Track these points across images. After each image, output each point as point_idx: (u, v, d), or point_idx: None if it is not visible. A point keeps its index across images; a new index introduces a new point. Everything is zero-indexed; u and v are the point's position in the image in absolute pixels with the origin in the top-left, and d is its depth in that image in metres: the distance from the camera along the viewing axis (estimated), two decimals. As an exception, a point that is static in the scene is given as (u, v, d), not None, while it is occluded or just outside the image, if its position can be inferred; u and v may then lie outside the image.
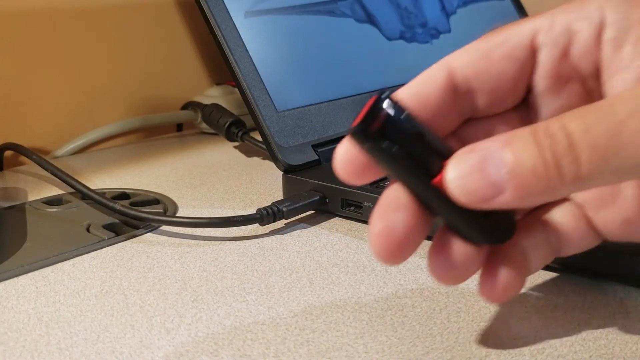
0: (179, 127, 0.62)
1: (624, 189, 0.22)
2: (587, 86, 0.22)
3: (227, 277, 0.29)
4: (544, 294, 0.27)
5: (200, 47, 0.63)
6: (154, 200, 0.40)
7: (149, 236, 0.34)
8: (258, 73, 0.40)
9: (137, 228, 0.35)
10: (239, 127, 0.50)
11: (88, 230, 0.35)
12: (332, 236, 0.34)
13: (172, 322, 0.25)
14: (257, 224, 0.34)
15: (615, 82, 0.21)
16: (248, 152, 0.51)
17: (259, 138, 0.42)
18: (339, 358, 0.23)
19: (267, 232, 0.34)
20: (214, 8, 0.40)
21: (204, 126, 0.56)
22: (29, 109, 0.51)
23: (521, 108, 0.23)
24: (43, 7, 0.51)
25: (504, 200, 0.18)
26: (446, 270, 0.21)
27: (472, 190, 0.18)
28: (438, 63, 0.22)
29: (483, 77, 0.22)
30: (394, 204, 0.20)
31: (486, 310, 0.26)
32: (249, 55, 0.40)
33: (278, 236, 0.34)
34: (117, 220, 0.36)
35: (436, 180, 0.19)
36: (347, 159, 0.21)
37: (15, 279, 0.29)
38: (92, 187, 0.39)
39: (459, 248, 0.21)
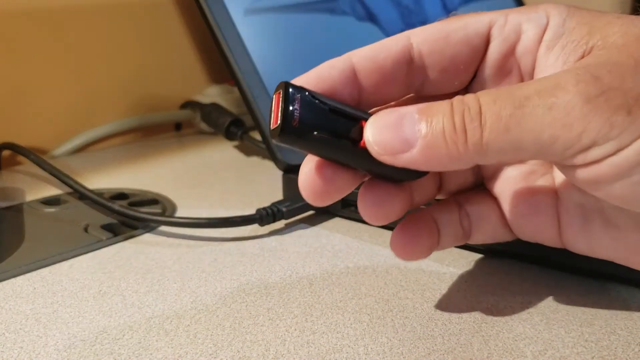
0: (178, 126, 0.61)
1: (541, 198, 0.24)
2: (524, 81, 0.23)
3: (226, 278, 0.29)
4: (546, 294, 0.27)
5: (199, 46, 0.63)
6: (153, 200, 0.39)
7: (148, 237, 0.34)
8: (257, 72, 0.39)
9: (136, 228, 0.35)
10: (238, 127, 0.50)
11: (86, 230, 0.34)
12: (333, 237, 0.33)
13: (170, 323, 0.25)
14: (256, 225, 0.34)
15: (540, 69, 0.22)
16: (247, 152, 0.51)
17: (259, 137, 0.42)
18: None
19: (267, 232, 0.34)
20: (212, 6, 0.39)
21: (203, 125, 0.56)
22: (27, 108, 0.51)
23: (461, 93, 0.24)
24: (41, 6, 0.51)
25: (412, 157, 0.19)
26: (373, 207, 0.23)
27: (385, 143, 0.20)
28: (400, 34, 0.23)
29: (438, 56, 0.23)
30: None
31: (488, 312, 0.26)
32: (248, 53, 0.40)
33: (278, 237, 0.34)
34: (115, 221, 0.36)
35: (362, 143, 0.21)
36: (311, 183, 0.22)
37: (13, 280, 0.29)
38: (90, 187, 0.39)
39: (382, 188, 0.23)
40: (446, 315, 0.26)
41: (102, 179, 0.44)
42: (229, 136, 0.50)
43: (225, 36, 0.39)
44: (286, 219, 0.35)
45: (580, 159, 0.19)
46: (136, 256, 0.31)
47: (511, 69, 0.23)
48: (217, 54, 0.40)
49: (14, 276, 0.29)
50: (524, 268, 0.30)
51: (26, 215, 0.37)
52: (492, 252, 0.31)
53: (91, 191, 0.37)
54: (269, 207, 0.34)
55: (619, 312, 0.26)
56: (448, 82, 0.24)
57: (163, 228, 0.35)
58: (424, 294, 0.27)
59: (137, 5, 0.57)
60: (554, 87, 0.18)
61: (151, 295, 0.27)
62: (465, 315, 0.25)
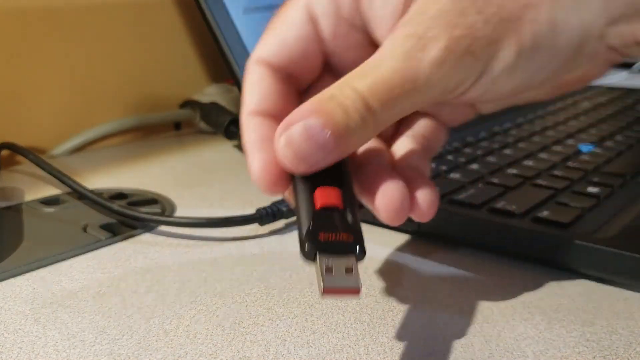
0: (177, 126, 0.61)
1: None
2: (369, 37, 0.24)
3: (226, 278, 0.29)
4: (547, 294, 0.27)
5: (198, 45, 0.63)
6: (152, 200, 0.39)
7: (147, 236, 0.34)
8: (257, 71, 0.39)
9: (135, 228, 0.35)
10: (238, 126, 0.50)
11: (85, 230, 0.34)
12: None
13: (170, 323, 0.25)
14: (256, 224, 0.34)
15: (380, 32, 0.23)
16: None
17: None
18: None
19: (267, 232, 0.34)
20: (212, 5, 0.39)
21: (203, 125, 0.56)
22: (26, 108, 0.51)
23: None
24: (40, 6, 0.51)
25: (334, 156, 0.21)
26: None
27: (307, 157, 0.21)
28: (256, 55, 0.24)
29: (293, 62, 0.24)
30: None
31: (489, 312, 0.26)
32: (248, 52, 0.40)
33: (278, 236, 0.33)
34: (114, 221, 0.35)
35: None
36: (266, 171, 0.22)
37: (12, 280, 0.29)
38: (90, 186, 0.38)
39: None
40: (447, 315, 0.25)
41: (101, 179, 0.44)
42: (229, 135, 0.50)
43: (225, 35, 0.39)
44: (286, 218, 0.34)
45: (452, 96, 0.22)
46: (135, 256, 0.31)
47: (350, 33, 0.24)
48: (216, 53, 0.40)
49: (13, 276, 0.29)
50: (525, 268, 0.29)
51: (25, 215, 0.37)
52: (493, 252, 0.31)
53: (90, 191, 0.37)
54: (269, 206, 0.34)
55: (620, 312, 0.26)
56: (314, 68, 0.25)
57: (162, 228, 0.35)
58: (424, 293, 0.27)
59: (136, 4, 0.57)
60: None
61: (150, 296, 0.27)
62: (466, 315, 0.25)
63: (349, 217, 0.21)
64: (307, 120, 0.20)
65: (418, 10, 0.21)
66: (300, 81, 0.25)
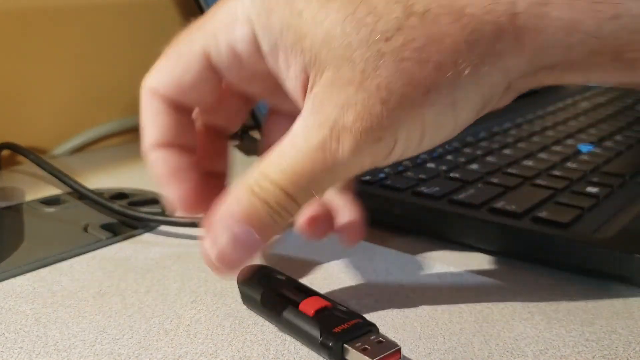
0: (178, 126, 0.61)
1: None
2: (274, 79, 0.23)
3: (226, 277, 0.29)
4: (547, 294, 0.27)
5: (198, 46, 0.63)
6: (153, 199, 0.39)
7: (147, 236, 0.34)
8: (257, 71, 0.39)
9: (135, 228, 0.35)
10: (238, 126, 0.50)
11: (86, 230, 0.34)
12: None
13: (170, 323, 0.25)
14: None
15: (287, 85, 0.23)
16: (247, 151, 0.51)
17: (259, 137, 0.41)
18: None
19: (267, 231, 0.34)
20: (212, 5, 0.39)
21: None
22: (27, 108, 0.51)
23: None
24: (40, 6, 0.51)
25: (260, 246, 0.22)
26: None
27: (238, 260, 0.22)
28: (150, 84, 0.25)
29: (189, 99, 0.25)
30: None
31: (489, 311, 0.26)
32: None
33: (277, 236, 0.33)
34: (115, 220, 0.35)
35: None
36: (187, 201, 0.25)
37: (12, 280, 0.29)
38: (90, 186, 0.39)
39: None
40: (447, 314, 0.25)
41: (101, 179, 0.44)
42: (229, 135, 0.50)
43: (225, 35, 0.39)
44: (286, 218, 0.34)
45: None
46: (136, 256, 0.31)
47: (257, 81, 0.25)
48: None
49: (14, 276, 0.29)
50: (525, 267, 0.30)
51: (26, 215, 0.37)
52: (492, 252, 0.31)
53: (91, 191, 0.37)
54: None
55: (619, 311, 0.26)
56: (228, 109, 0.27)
57: (163, 228, 0.35)
58: (424, 293, 0.27)
59: (136, 4, 0.57)
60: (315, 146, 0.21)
61: (151, 295, 0.27)
62: (466, 315, 0.25)
63: (342, 307, 0.23)
64: (233, 229, 0.22)
65: (326, 95, 0.20)
66: (199, 106, 0.26)
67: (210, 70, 0.24)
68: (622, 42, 0.18)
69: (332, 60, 0.20)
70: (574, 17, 0.18)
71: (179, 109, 0.25)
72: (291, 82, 0.22)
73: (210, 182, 0.26)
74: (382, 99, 0.20)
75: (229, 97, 0.26)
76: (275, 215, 0.22)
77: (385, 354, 0.21)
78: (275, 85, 0.23)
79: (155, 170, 0.25)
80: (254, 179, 0.22)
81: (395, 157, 0.21)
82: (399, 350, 0.22)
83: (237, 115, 0.28)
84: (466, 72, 0.19)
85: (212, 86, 0.24)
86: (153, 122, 0.25)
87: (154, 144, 0.25)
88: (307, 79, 0.21)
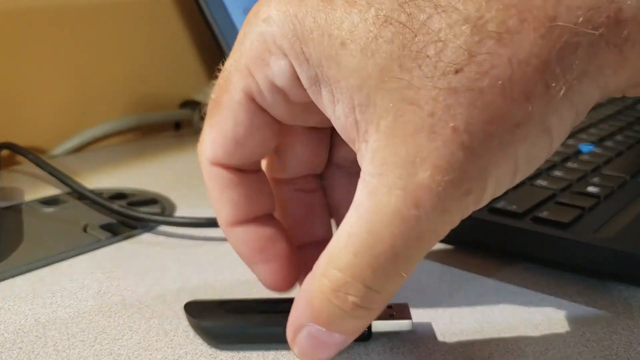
0: (177, 125, 0.61)
1: None
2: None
3: (226, 277, 0.29)
4: (548, 293, 0.27)
5: (198, 45, 0.63)
6: (152, 199, 0.39)
7: (147, 236, 0.34)
8: (257, 71, 0.39)
9: (135, 228, 0.34)
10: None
11: (85, 230, 0.34)
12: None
13: (170, 323, 0.25)
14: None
15: (340, 132, 0.19)
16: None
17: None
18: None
19: (267, 231, 0.34)
20: (211, 5, 0.39)
21: (202, 125, 0.56)
22: (26, 108, 0.51)
23: None
24: (39, 5, 0.51)
25: (348, 343, 0.20)
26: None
27: (323, 354, 0.20)
28: (209, 157, 0.22)
29: (251, 155, 0.22)
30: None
31: (489, 312, 0.26)
32: (248, 53, 0.40)
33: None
34: (114, 220, 0.35)
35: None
36: (276, 280, 0.22)
37: (11, 280, 0.29)
38: (90, 186, 0.38)
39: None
40: (447, 315, 0.25)
41: (101, 179, 0.44)
42: (229, 135, 0.50)
43: (224, 35, 0.39)
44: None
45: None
46: (135, 256, 0.31)
47: (308, 115, 0.21)
48: (216, 53, 0.40)
49: (13, 276, 0.29)
50: (526, 268, 0.30)
51: (25, 215, 0.37)
52: (492, 252, 0.31)
53: (90, 191, 0.37)
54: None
55: (620, 312, 0.26)
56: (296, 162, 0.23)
57: (162, 228, 0.35)
58: (424, 293, 0.27)
59: (136, 4, 0.57)
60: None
61: (151, 295, 0.27)
62: (466, 315, 0.25)
63: None
64: (309, 328, 0.19)
65: (389, 150, 0.17)
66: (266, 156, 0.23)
67: (261, 113, 0.20)
68: None
69: (391, 105, 0.17)
70: None
71: (247, 173, 0.22)
72: (339, 121, 0.18)
73: (308, 251, 0.23)
74: (463, 144, 0.16)
75: (296, 138, 0.23)
76: (357, 312, 0.18)
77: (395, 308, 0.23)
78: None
79: (238, 252, 0.23)
80: (322, 271, 0.18)
81: (484, 203, 0.18)
82: (407, 305, 0.22)
83: (316, 155, 0.24)
84: (560, 94, 0.16)
85: (272, 131, 0.21)
86: (223, 199, 0.22)
87: (231, 223, 0.22)
88: (357, 121, 0.18)
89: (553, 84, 0.16)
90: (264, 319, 0.23)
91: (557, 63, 0.16)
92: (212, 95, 0.21)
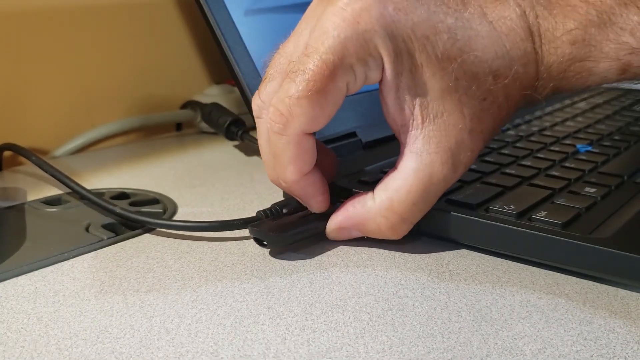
0: (179, 126, 0.62)
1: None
2: None
3: (226, 277, 0.29)
4: (545, 293, 0.27)
5: (199, 46, 0.63)
6: (154, 200, 0.39)
7: (149, 236, 0.34)
8: (258, 72, 0.40)
9: (137, 228, 0.35)
10: (239, 126, 0.50)
11: (87, 230, 0.35)
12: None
13: (171, 322, 0.25)
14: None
15: (389, 114, 0.29)
16: (248, 152, 0.51)
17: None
18: (340, 358, 0.23)
19: (267, 231, 0.34)
20: (213, 6, 0.39)
21: (204, 125, 0.56)
22: (28, 108, 0.51)
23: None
24: (40, 6, 0.51)
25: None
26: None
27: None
28: (297, 132, 0.28)
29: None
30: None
31: (487, 310, 0.26)
32: (249, 54, 0.40)
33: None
34: (116, 220, 0.36)
35: None
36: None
37: (14, 279, 0.29)
38: (91, 187, 0.39)
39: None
40: (445, 313, 0.26)
41: (103, 179, 0.44)
42: (229, 136, 0.50)
43: (226, 36, 0.39)
44: (286, 218, 0.35)
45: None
46: (137, 255, 0.31)
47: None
48: (217, 54, 0.40)
49: (16, 276, 0.29)
50: (523, 267, 0.30)
51: (28, 215, 0.37)
52: (490, 252, 0.31)
53: (92, 192, 0.37)
54: (269, 208, 0.34)
55: (617, 311, 0.26)
56: None
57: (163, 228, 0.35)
58: (423, 292, 0.27)
59: (137, 5, 0.58)
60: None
61: (152, 295, 0.27)
62: (464, 314, 0.26)
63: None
64: (350, 232, 0.31)
65: (443, 137, 0.28)
66: None
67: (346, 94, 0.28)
68: None
69: (447, 108, 0.27)
70: None
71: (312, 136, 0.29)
72: (393, 108, 0.28)
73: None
74: (485, 141, 0.29)
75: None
76: (392, 235, 0.30)
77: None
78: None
79: (304, 193, 0.31)
80: (384, 212, 0.29)
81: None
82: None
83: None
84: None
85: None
86: (302, 158, 0.29)
87: (304, 173, 0.30)
88: (413, 113, 0.28)
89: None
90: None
91: None
92: (307, 78, 0.27)
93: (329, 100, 0.27)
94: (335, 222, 0.31)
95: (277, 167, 0.30)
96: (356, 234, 0.31)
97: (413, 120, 0.28)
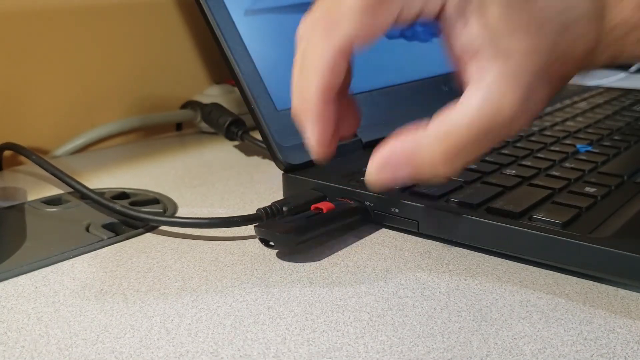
0: (179, 126, 0.62)
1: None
2: None
3: (227, 276, 0.29)
4: (545, 293, 0.27)
5: (199, 46, 0.63)
6: (154, 199, 0.39)
7: (149, 236, 0.34)
8: (258, 72, 0.40)
9: (137, 228, 0.35)
10: (239, 126, 0.50)
11: (87, 230, 0.35)
12: (332, 235, 0.33)
13: (171, 322, 0.25)
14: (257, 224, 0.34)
15: (456, 48, 0.27)
16: (248, 152, 0.51)
17: (259, 137, 0.42)
18: (340, 358, 0.23)
19: (267, 231, 0.34)
20: (213, 6, 0.39)
21: (204, 125, 0.56)
22: (28, 108, 0.51)
23: None
24: (41, 6, 0.51)
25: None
26: None
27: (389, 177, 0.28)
28: (341, 45, 0.26)
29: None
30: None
31: (487, 310, 0.26)
32: (249, 54, 0.40)
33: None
34: (116, 220, 0.36)
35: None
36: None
37: (14, 279, 0.29)
38: (92, 186, 0.39)
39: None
40: (445, 313, 0.26)
41: (103, 179, 0.44)
42: (229, 136, 0.50)
43: (226, 36, 0.39)
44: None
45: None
46: (137, 255, 0.31)
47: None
48: (217, 54, 0.40)
49: (16, 275, 0.29)
50: (523, 267, 0.30)
51: (28, 214, 0.37)
52: (490, 251, 0.31)
53: (92, 191, 0.37)
54: (269, 206, 0.34)
55: (617, 311, 0.26)
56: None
57: (164, 227, 0.35)
58: (423, 292, 0.27)
59: (137, 5, 0.58)
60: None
61: (152, 294, 0.27)
62: (464, 314, 0.26)
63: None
64: (398, 172, 0.27)
65: (517, 78, 0.25)
66: None
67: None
68: None
69: (521, 47, 0.25)
70: None
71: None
72: (462, 38, 0.26)
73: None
74: (545, 102, 0.27)
75: None
76: (441, 172, 0.27)
77: None
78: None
79: (320, 117, 0.28)
80: (438, 135, 0.26)
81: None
82: None
83: None
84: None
85: None
86: (333, 71, 0.27)
87: (329, 91, 0.27)
88: (485, 46, 0.25)
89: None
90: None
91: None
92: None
93: (383, 9, 0.25)
94: (380, 157, 0.27)
95: (302, 81, 0.27)
96: (402, 173, 0.27)
97: (485, 53, 0.26)
